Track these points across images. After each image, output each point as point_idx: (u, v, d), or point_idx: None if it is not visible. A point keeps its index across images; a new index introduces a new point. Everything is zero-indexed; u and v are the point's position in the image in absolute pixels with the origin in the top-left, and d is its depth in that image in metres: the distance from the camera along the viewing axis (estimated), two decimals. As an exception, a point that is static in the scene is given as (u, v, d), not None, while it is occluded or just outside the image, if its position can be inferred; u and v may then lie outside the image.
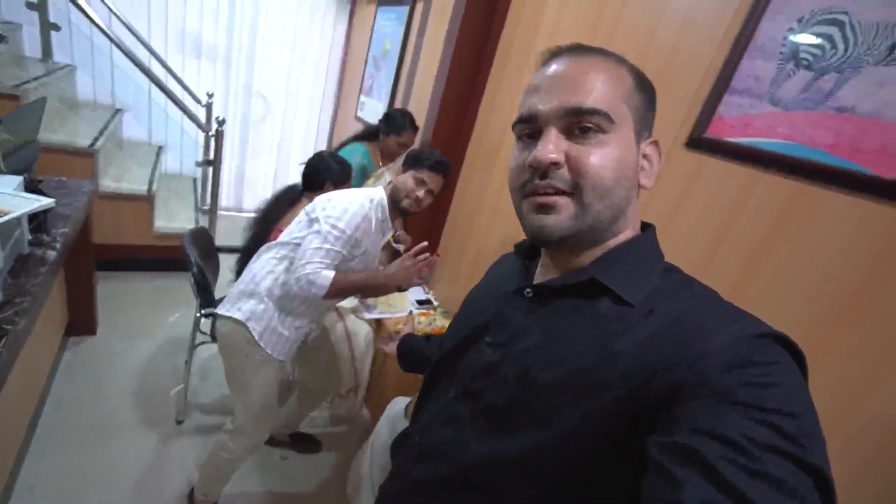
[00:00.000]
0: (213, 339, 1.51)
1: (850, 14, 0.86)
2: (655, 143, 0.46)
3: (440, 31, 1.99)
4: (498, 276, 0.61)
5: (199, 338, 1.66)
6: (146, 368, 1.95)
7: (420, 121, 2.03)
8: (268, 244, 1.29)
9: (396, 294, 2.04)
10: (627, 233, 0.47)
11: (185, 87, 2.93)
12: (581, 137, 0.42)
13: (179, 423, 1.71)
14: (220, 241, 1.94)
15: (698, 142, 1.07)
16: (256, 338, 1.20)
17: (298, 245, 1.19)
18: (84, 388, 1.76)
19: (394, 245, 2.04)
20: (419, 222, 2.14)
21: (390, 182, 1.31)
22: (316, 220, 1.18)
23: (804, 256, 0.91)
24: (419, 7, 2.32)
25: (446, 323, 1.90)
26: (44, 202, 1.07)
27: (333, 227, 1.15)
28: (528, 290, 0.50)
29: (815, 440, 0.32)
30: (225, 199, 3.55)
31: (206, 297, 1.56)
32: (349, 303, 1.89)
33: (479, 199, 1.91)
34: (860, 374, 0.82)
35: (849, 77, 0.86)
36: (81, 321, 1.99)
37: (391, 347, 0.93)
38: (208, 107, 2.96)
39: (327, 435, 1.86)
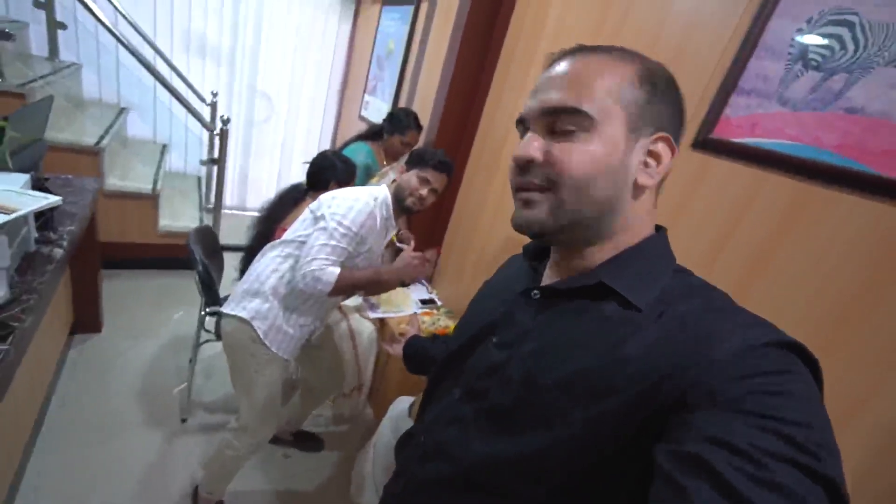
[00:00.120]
0: (218, 337, 1.51)
1: (860, 15, 0.85)
2: (666, 139, 0.43)
3: (445, 31, 1.99)
4: (506, 277, 0.61)
5: (204, 336, 1.66)
6: (150, 367, 1.95)
7: (424, 120, 2.03)
8: (272, 243, 1.30)
9: (400, 293, 2.05)
10: (635, 234, 0.46)
11: (190, 86, 2.94)
12: (561, 136, 0.43)
13: (184, 421, 1.72)
14: (224, 239, 1.94)
15: (704, 143, 1.07)
16: (261, 336, 1.21)
17: (303, 243, 1.20)
18: (89, 387, 1.77)
19: (397, 244, 2.04)
20: (423, 221, 2.14)
21: (394, 180, 1.31)
22: (322, 217, 1.18)
23: (809, 257, 0.90)
24: (424, 7, 2.32)
25: (450, 322, 1.90)
26: (51, 200, 1.07)
27: (339, 224, 1.16)
28: (536, 291, 0.50)
29: (828, 450, 0.31)
30: (229, 198, 3.56)
31: (211, 296, 1.57)
32: (353, 302, 1.89)
33: (482, 198, 1.91)
34: (864, 375, 0.81)
35: (859, 78, 0.86)
36: (87, 319, 2.00)
37: (396, 349, 0.92)
38: (213, 106, 2.97)
39: (330, 434, 1.87)
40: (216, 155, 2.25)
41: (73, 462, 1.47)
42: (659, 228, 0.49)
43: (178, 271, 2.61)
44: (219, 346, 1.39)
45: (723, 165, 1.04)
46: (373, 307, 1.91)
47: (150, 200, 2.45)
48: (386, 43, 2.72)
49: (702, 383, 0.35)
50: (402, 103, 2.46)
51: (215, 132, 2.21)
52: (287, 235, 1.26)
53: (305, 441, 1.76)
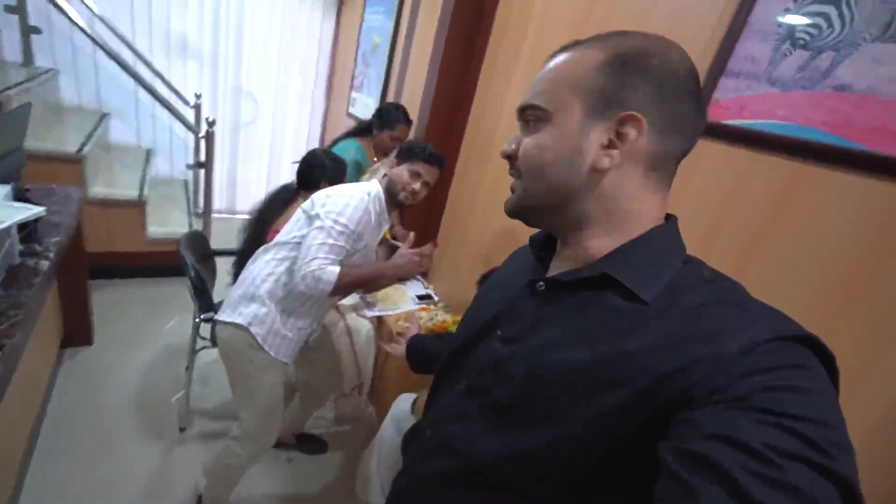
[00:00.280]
0: (214, 343, 1.49)
1: (846, -9, 0.86)
2: (631, 116, 0.41)
3: (431, 24, 1.97)
4: (513, 269, 0.60)
5: (199, 343, 1.64)
6: (146, 377, 1.92)
7: (413, 114, 2.01)
8: (265, 246, 1.28)
9: (396, 290, 2.04)
10: (641, 223, 0.44)
11: (173, 89, 2.88)
12: (529, 129, 0.47)
13: (183, 430, 1.70)
14: (214, 244, 1.91)
15: (696, 126, 1.07)
16: (260, 341, 1.19)
17: (299, 244, 1.18)
18: (83, 400, 1.74)
19: (391, 241, 2.02)
20: (416, 217, 2.13)
21: (385, 175, 1.30)
22: (317, 216, 1.16)
23: (804, 237, 0.91)
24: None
25: (448, 317, 1.90)
26: (34, 211, 1.05)
27: (336, 222, 1.15)
28: (541, 283, 0.49)
29: (841, 448, 0.30)
30: (218, 202, 3.51)
31: (205, 302, 1.54)
32: (350, 301, 1.88)
33: (475, 190, 1.90)
34: (860, 351, 0.82)
35: (846, 55, 0.86)
36: (77, 332, 1.97)
37: (399, 350, 0.92)
38: (197, 108, 2.92)
39: (333, 434, 1.86)
40: (203, 158, 2.21)
41: (71, 477, 1.45)
42: (669, 218, 0.47)
43: (169, 279, 2.57)
44: (215, 352, 1.37)
45: (715, 148, 1.04)
46: (370, 305, 1.90)
47: (137, 207, 2.40)
48: (371, 38, 2.69)
49: (710, 379, 0.34)
50: (389, 98, 2.44)
51: (201, 135, 2.17)
52: (280, 237, 1.24)
53: (308, 443, 1.75)
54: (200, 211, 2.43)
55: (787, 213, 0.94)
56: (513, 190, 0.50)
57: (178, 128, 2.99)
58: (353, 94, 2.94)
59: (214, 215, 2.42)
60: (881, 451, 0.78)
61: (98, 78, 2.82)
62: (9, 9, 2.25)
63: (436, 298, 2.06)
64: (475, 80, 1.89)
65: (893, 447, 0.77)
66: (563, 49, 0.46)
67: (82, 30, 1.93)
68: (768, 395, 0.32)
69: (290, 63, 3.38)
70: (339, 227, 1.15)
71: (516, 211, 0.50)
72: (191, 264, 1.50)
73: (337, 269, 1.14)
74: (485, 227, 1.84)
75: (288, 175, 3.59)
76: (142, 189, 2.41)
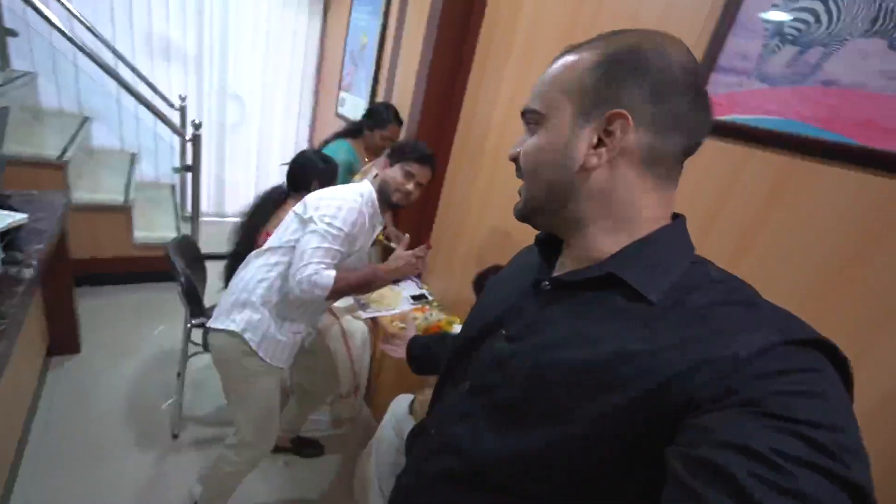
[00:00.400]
0: (206, 348, 1.47)
1: (833, -13, 0.87)
2: (618, 114, 0.41)
3: (420, 22, 1.96)
4: (518, 268, 0.60)
5: (192, 349, 1.61)
6: (135, 384, 1.89)
7: (403, 114, 2.00)
8: (257, 251, 1.26)
9: (391, 291, 2.02)
10: (647, 223, 0.44)
11: (157, 91, 2.83)
12: (528, 132, 0.49)
13: (175, 437, 1.67)
14: (204, 248, 1.88)
15: (688, 122, 1.08)
16: (254, 348, 1.17)
17: (292, 248, 1.16)
18: (72, 410, 1.70)
19: (385, 242, 2.01)
20: (409, 218, 2.12)
21: (377, 175, 1.29)
22: (310, 220, 1.15)
23: (795, 230, 0.92)
24: (395, -2, 2.27)
25: (442, 317, 1.89)
26: (16, 218, 1.02)
27: (330, 225, 1.13)
28: (546, 282, 0.49)
29: (854, 455, 0.29)
30: (206, 206, 3.46)
31: (196, 307, 1.52)
32: (344, 303, 1.86)
33: (468, 190, 1.89)
34: (851, 340, 0.83)
35: (833, 50, 0.87)
36: (63, 340, 1.92)
37: (399, 352, 0.91)
38: (182, 110, 2.87)
39: (329, 437, 1.84)
40: (190, 161, 2.17)
41: (61, 488, 1.41)
42: (677, 217, 0.47)
43: (157, 284, 2.53)
44: (207, 357, 1.35)
45: (707, 144, 1.02)
46: (364, 307, 1.88)
47: (123, 212, 2.35)
48: (358, 37, 2.67)
49: (718, 382, 0.34)
50: (379, 98, 2.42)
51: (187, 138, 2.13)
52: (272, 242, 1.22)
53: (305, 447, 1.74)
54: (188, 214, 2.38)
55: (778, 207, 0.95)
56: (520, 194, 0.51)
57: (164, 131, 2.94)
58: (342, 95, 2.91)
59: (203, 219, 2.37)
60: (870, 443, 0.79)
61: (79, 81, 2.75)
62: (-17, 11, 2.18)
63: (430, 298, 2.06)
64: (465, 79, 1.88)
65: (883, 438, 0.78)
66: (564, 53, 0.47)
67: (61, 31, 1.88)
68: (779, 399, 0.31)
69: (277, 63, 3.34)
70: (333, 231, 1.13)
71: (523, 214, 0.51)
72: (181, 269, 1.48)
73: (333, 273, 1.13)
74: (479, 226, 1.84)
75: (277, 177, 3.54)
76: (127, 193, 2.36)
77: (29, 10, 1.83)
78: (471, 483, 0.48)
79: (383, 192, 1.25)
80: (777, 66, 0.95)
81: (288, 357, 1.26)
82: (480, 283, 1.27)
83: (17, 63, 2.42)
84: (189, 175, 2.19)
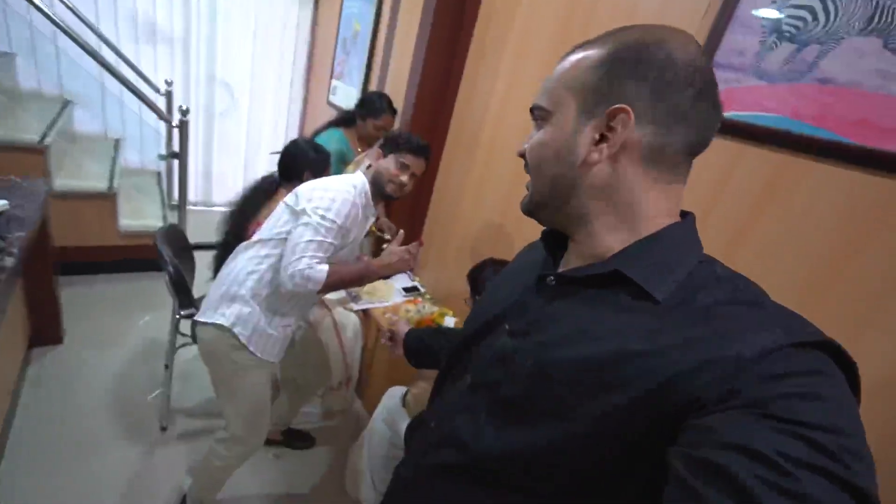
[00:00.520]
0: (195, 340, 1.44)
1: (831, -16, 0.87)
2: (620, 109, 0.41)
3: (415, 10, 1.92)
4: (524, 263, 0.59)
5: (180, 340, 1.58)
6: (121, 376, 1.85)
7: (397, 104, 1.97)
8: (246, 242, 1.23)
9: (383, 284, 2.01)
10: (653, 221, 0.44)
11: (142, 75, 2.74)
12: (536, 128, 0.49)
13: (164, 429, 1.65)
14: (191, 237, 1.84)
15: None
16: (245, 342, 1.15)
17: (283, 241, 1.14)
18: (55, 402, 1.66)
19: (378, 234, 2.00)
20: (402, 209, 2.10)
21: (370, 166, 1.27)
22: (302, 212, 1.12)
23: (788, 226, 0.93)
24: (390, -15, 2.23)
25: (434, 310, 1.89)
26: (-4, 204, 0.98)
27: (323, 217, 1.11)
28: (551, 278, 0.48)
29: (859, 458, 0.29)
30: (193, 194, 3.39)
31: (185, 297, 1.49)
32: (335, 295, 1.85)
33: (461, 182, 1.88)
34: (838, 336, 0.85)
35: (830, 48, 0.88)
36: (46, 330, 1.87)
37: (398, 351, 0.90)
38: (168, 95, 2.79)
39: (320, 429, 1.84)
40: (176, 148, 2.11)
41: (46, 484, 1.38)
42: (686, 216, 0.46)
43: (143, 273, 2.48)
44: (195, 349, 1.32)
45: None
46: (356, 299, 1.87)
47: (108, 200, 2.29)
48: (351, 24, 2.62)
49: (723, 383, 0.33)
50: (372, 87, 2.38)
51: (174, 124, 2.07)
52: (262, 233, 1.20)
53: (296, 439, 1.73)
54: (175, 203, 2.33)
55: (772, 203, 0.96)
56: (528, 189, 0.51)
57: (149, 117, 2.86)
58: (334, 83, 2.86)
59: (190, 207, 2.32)
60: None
61: (59, 63, 2.65)
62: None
63: (422, 291, 2.05)
64: (461, 69, 1.86)
65: (868, 430, 0.81)
66: (571, 50, 0.47)
67: (41, 10, 1.80)
68: (784, 402, 0.31)
69: (267, 50, 3.27)
70: (326, 224, 1.11)
71: (529, 209, 0.51)
72: (169, 259, 1.44)
73: (326, 268, 1.11)
74: (472, 219, 1.83)
75: (266, 166, 3.48)
76: (112, 180, 2.30)
77: (6, -14, 1.75)
78: (470, 477, 0.48)
79: (377, 184, 1.23)
80: (774, 63, 0.95)
81: (279, 351, 1.24)
82: (475, 277, 1.27)
83: (-6, 43, 2.33)
84: (176, 162, 2.13)
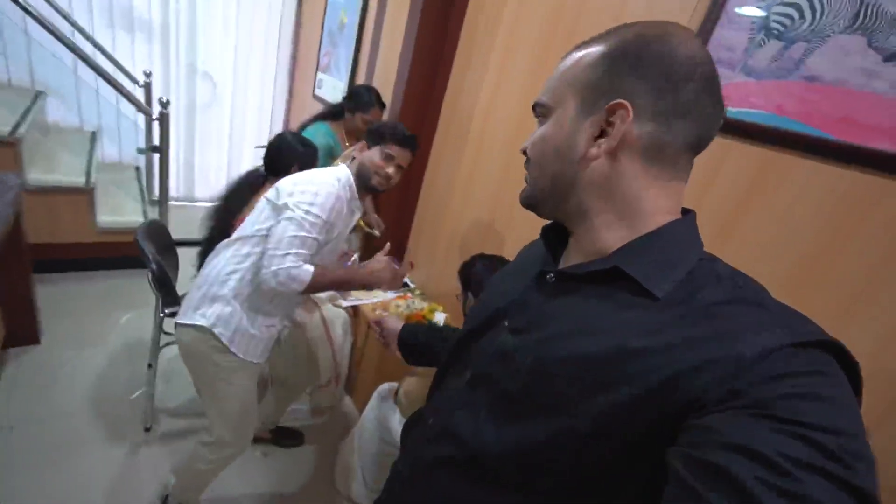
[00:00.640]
0: (179, 339, 1.41)
1: (818, -18, 0.88)
2: (619, 104, 0.41)
3: (404, 1, 1.89)
4: (525, 260, 0.59)
5: (163, 339, 1.55)
6: (102, 376, 1.80)
7: (386, 98, 1.94)
8: (226, 240, 1.19)
9: (372, 280, 2.00)
10: (654, 217, 0.43)
11: (119, 66, 2.64)
12: (538, 124, 0.50)
13: (147, 430, 1.61)
14: (174, 233, 1.78)
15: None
16: (226, 343, 1.12)
17: (265, 237, 1.10)
18: (34, 404, 1.61)
19: (367, 229, 1.97)
20: (391, 204, 2.09)
21: (354, 159, 1.23)
22: (285, 206, 1.08)
23: (773, 222, 0.95)
24: (377, -24, 2.19)
25: (424, 306, 1.88)
26: (-35, 199, 0.93)
27: (307, 212, 1.07)
28: (551, 274, 0.48)
29: (862, 459, 0.28)
30: (174, 189, 3.30)
31: (169, 295, 1.45)
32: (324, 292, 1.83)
33: (451, 178, 1.87)
34: (823, 326, 0.87)
35: (817, 46, 0.89)
36: (21, 330, 1.81)
37: (393, 347, 0.88)
38: (147, 87, 2.70)
39: (309, 426, 1.82)
40: (157, 142, 2.05)
41: (26, 489, 1.34)
42: (687, 213, 0.46)
43: (123, 271, 2.41)
44: (177, 347, 1.29)
45: None
46: (345, 295, 1.85)
47: (85, 195, 2.21)
48: (337, 15, 2.57)
49: (724, 382, 0.33)
50: (360, 80, 2.35)
51: (154, 116, 2.01)
52: (243, 230, 1.16)
53: (284, 437, 1.71)
54: (156, 198, 2.26)
55: (758, 198, 0.98)
56: (526, 181, 0.51)
57: (127, 109, 2.77)
58: (320, 76, 2.81)
59: (172, 203, 2.26)
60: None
61: (30, 52, 2.54)
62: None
63: (412, 287, 2.04)
64: (450, 62, 1.84)
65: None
66: (574, 48, 0.47)
67: (10, -5, 1.71)
68: (785, 402, 0.30)
69: (250, 41, 3.18)
70: (310, 219, 1.07)
71: (527, 202, 0.51)
72: (151, 256, 1.40)
73: (311, 269, 1.08)
74: (462, 214, 1.82)
75: (251, 160, 3.41)
76: (88, 175, 2.22)
77: (-29, -30, 1.66)
78: (468, 474, 0.48)
79: (362, 176, 1.19)
80: (762, 60, 0.96)
81: (262, 352, 1.21)
82: (466, 272, 1.26)
83: (-41, 29, 2.21)
84: (156, 156, 2.07)
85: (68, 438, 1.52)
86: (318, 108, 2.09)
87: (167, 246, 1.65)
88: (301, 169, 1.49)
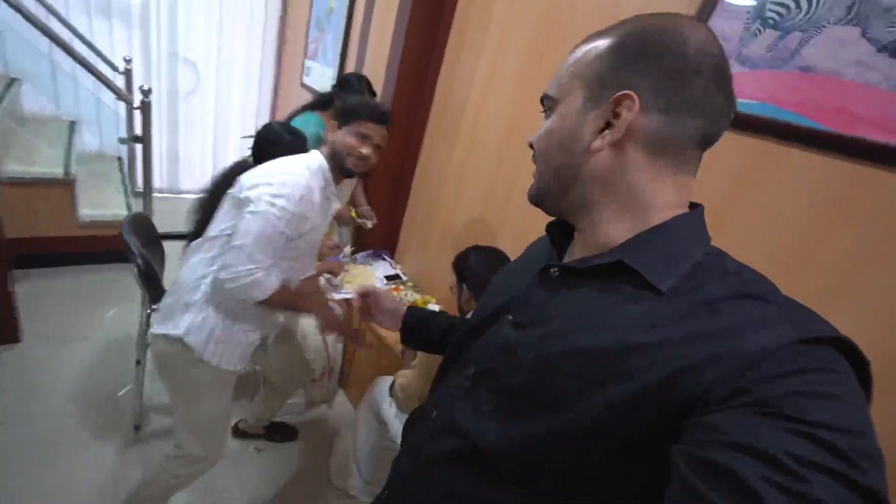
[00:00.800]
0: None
1: (814, -28, 0.88)
2: (625, 95, 0.40)
3: (393, -13, 1.85)
4: (530, 255, 0.59)
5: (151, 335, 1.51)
6: (88, 373, 1.76)
7: (376, 86, 1.90)
8: (197, 242, 1.12)
9: (365, 271, 1.98)
10: (660, 211, 0.43)
11: (98, 53, 2.55)
12: (545, 118, 0.49)
13: (137, 428, 1.58)
14: (159, 226, 1.74)
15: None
16: (199, 352, 1.05)
17: (231, 237, 1.01)
18: (17, 404, 1.56)
19: (357, 220, 1.95)
20: (383, 195, 2.06)
21: (325, 144, 1.15)
22: (247, 200, 0.99)
23: (765, 211, 0.96)
24: (365, -40, 2.13)
25: (416, 297, 1.87)
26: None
27: (272, 205, 0.97)
28: (555, 269, 0.48)
29: (871, 459, 0.28)
30: (158, 180, 3.22)
31: (155, 290, 1.41)
32: (316, 285, 1.80)
33: (444, 169, 1.85)
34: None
35: (812, 36, 0.89)
36: (1, 328, 1.75)
37: (395, 323, 0.81)
38: (127, 74, 2.61)
39: (303, 422, 1.81)
40: (139, 131, 1.98)
41: (13, 492, 1.31)
42: (694, 207, 0.45)
43: (106, 265, 2.35)
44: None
45: None
46: (337, 288, 1.83)
47: (65, 187, 2.14)
48: (325, 1, 2.50)
49: (730, 379, 0.32)
50: (349, 68, 2.30)
51: (135, 105, 1.94)
52: (211, 230, 1.07)
53: (277, 432, 1.69)
54: (139, 190, 2.20)
55: (750, 188, 0.98)
56: (534, 177, 0.51)
57: (107, 97, 2.67)
58: (308, 63, 2.75)
59: (156, 195, 2.20)
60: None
61: (3, 37, 2.43)
62: None
63: (404, 279, 2.03)
64: (442, 50, 1.81)
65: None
66: (582, 41, 0.47)
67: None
68: (793, 400, 0.30)
69: (234, 26, 3.09)
70: (275, 211, 0.97)
71: (534, 198, 0.51)
72: (136, 250, 1.36)
73: (276, 283, 1.02)
74: (454, 205, 1.81)
75: (237, 150, 3.33)
76: (68, 166, 2.15)
77: (-65, -51, 1.57)
78: (471, 468, 0.48)
79: (335, 160, 1.09)
80: (757, 50, 0.96)
81: (240, 359, 1.13)
82: (460, 265, 1.25)
83: (-76, 12, 2.10)
84: (139, 147, 2.01)
85: (55, 439, 1.48)
86: (306, 97, 2.05)
87: (152, 239, 1.61)
88: (290, 160, 1.46)
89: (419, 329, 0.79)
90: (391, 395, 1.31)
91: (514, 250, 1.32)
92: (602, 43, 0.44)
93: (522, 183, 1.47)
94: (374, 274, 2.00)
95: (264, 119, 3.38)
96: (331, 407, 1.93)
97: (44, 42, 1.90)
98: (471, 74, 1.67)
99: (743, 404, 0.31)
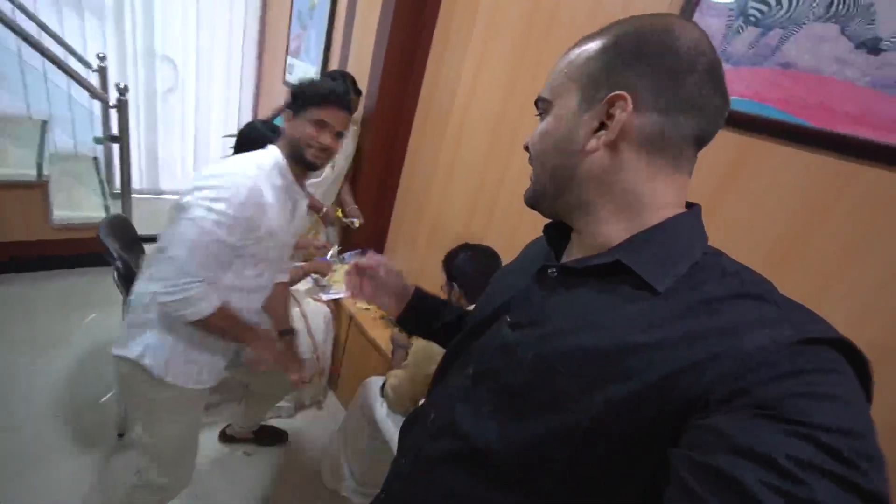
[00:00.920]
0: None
1: (794, -31, 0.89)
2: (619, 96, 0.40)
3: (377, -17, 1.82)
4: (528, 256, 0.59)
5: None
6: (67, 380, 1.71)
7: (361, 84, 1.88)
8: (152, 252, 1.07)
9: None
10: (658, 211, 0.43)
11: (69, 49, 2.46)
12: (540, 120, 0.49)
13: (121, 436, 1.54)
14: (139, 228, 1.69)
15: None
16: (159, 375, 0.96)
17: None
18: (-9, 413, 1.51)
19: (344, 220, 1.93)
20: (369, 193, 2.04)
21: (281, 138, 1.03)
22: (187, 205, 0.87)
23: (750, 206, 0.98)
24: (348, -45, 2.10)
25: (407, 296, 1.86)
26: None
27: (209, 210, 0.86)
28: (553, 269, 0.48)
29: (872, 460, 0.27)
30: (137, 181, 3.13)
31: (136, 295, 1.37)
32: (304, 285, 1.78)
33: (432, 165, 1.84)
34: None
35: (792, 33, 0.90)
36: (-28, 336, 1.68)
37: (399, 305, 0.71)
38: (101, 71, 2.52)
39: (292, 424, 1.78)
40: (115, 131, 1.92)
41: (-14, 502, 1.26)
42: (692, 206, 0.45)
43: (83, 269, 2.28)
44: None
45: None
46: (325, 288, 1.81)
47: (38, 189, 2.06)
48: (307, -3, 2.46)
49: (729, 380, 0.32)
50: (333, 66, 2.26)
51: (111, 104, 1.88)
52: (160, 240, 0.96)
53: (266, 436, 1.67)
54: (117, 191, 2.13)
55: (734, 184, 1.00)
56: (531, 179, 0.51)
57: (80, 95, 2.58)
58: (290, 60, 2.70)
59: (135, 196, 2.14)
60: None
61: (-34, 32, 2.32)
62: None
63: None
64: (428, 46, 1.79)
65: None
66: (576, 43, 0.47)
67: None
68: (793, 402, 0.29)
69: (213, 22, 3.02)
70: (213, 217, 0.86)
71: (530, 201, 0.51)
72: (116, 253, 1.32)
73: (214, 306, 0.92)
74: (443, 203, 1.80)
75: (218, 150, 3.26)
76: (41, 167, 2.07)
77: None
78: (471, 469, 0.47)
79: (294, 153, 0.98)
80: (740, 46, 0.97)
81: (209, 376, 1.05)
82: (450, 263, 1.25)
83: None
84: (115, 147, 1.94)
85: (35, 448, 1.43)
86: (288, 95, 2.01)
87: (132, 241, 1.56)
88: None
89: (427, 316, 0.72)
90: (382, 396, 1.30)
91: (503, 248, 1.33)
92: (594, 44, 0.44)
93: (511, 180, 1.47)
94: (362, 273, 1.98)
95: (246, 117, 3.31)
96: (321, 408, 1.91)
97: (11, 38, 1.82)
98: (457, 70, 1.66)
99: (742, 406, 0.31)
